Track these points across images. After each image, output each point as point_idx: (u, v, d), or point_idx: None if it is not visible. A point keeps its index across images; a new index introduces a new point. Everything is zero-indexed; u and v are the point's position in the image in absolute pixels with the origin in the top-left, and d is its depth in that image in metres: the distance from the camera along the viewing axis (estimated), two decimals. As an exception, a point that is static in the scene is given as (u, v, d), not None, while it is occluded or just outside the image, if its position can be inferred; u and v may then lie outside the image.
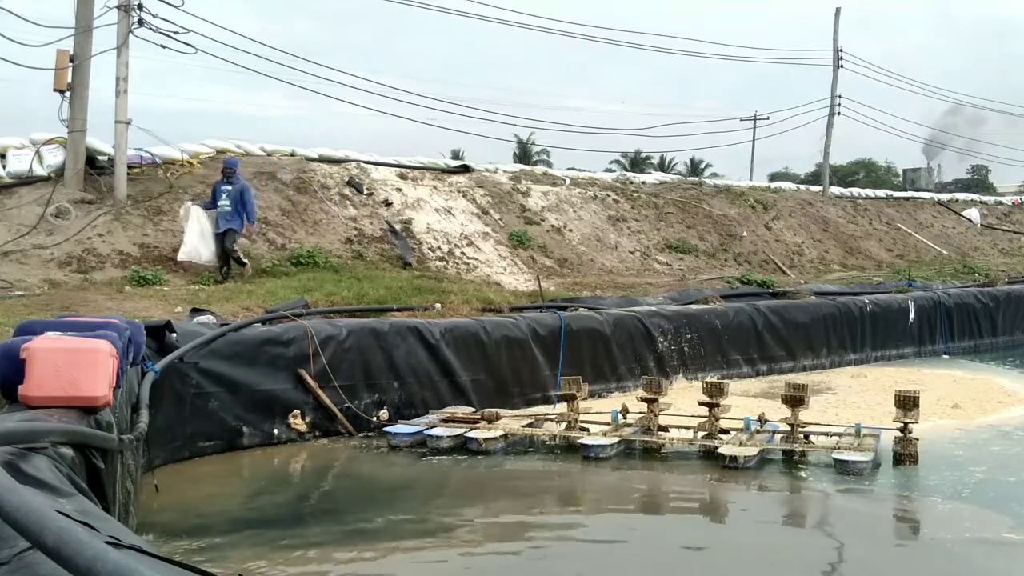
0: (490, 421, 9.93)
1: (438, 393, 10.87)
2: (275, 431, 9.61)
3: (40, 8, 13.27)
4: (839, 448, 8.87)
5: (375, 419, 10.26)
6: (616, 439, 9.34)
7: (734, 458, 8.59)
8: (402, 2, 18.29)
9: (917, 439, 8.96)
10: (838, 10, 27.45)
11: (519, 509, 7.82)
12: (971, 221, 29.39)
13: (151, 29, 13.43)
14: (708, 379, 10.95)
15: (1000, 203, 32.97)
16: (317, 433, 9.87)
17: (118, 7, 13.16)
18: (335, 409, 9.94)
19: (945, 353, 17.52)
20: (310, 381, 9.78)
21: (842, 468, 8.45)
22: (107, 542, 2.34)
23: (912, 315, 17.24)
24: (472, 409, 10.52)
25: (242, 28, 16.65)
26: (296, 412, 9.74)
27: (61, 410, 4.57)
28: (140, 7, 13.28)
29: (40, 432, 3.85)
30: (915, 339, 17.36)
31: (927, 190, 35.18)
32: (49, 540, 2.27)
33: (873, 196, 29.20)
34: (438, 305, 12.41)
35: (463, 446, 9.34)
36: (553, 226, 18.53)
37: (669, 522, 7.91)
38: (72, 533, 2.27)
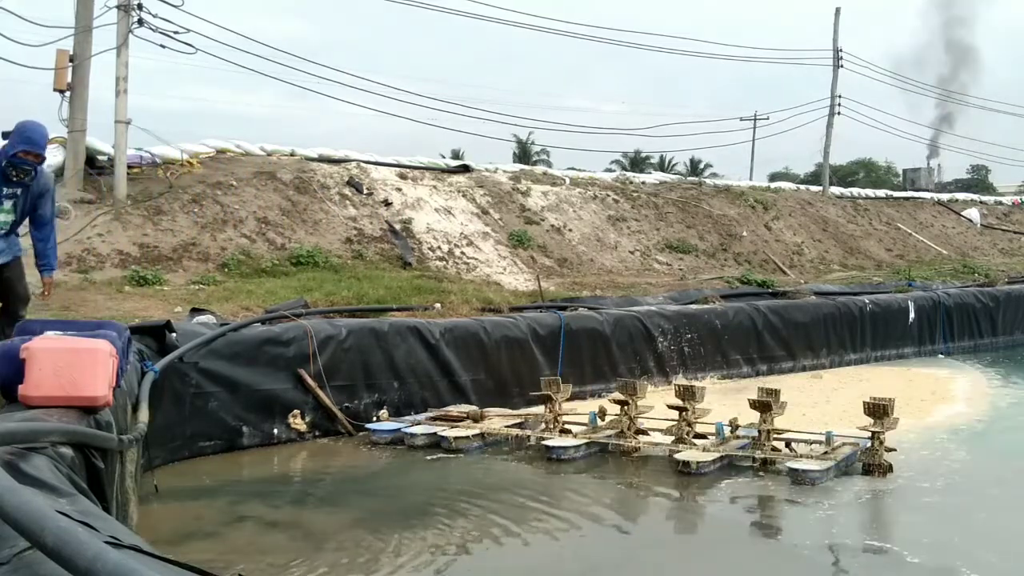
0: (475, 420, 9.99)
1: (438, 393, 10.88)
2: (275, 431, 9.61)
3: (40, 8, 13.25)
4: (809, 456, 8.79)
5: (375, 419, 10.27)
6: (584, 441, 9.35)
7: (687, 463, 8.54)
8: (402, 2, 18.31)
9: (892, 449, 8.88)
10: (838, 10, 27.47)
11: (419, 506, 7.68)
12: (971, 221, 29.38)
13: (151, 29, 13.43)
14: (678, 382, 10.66)
15: (1000, 203, 32.96)
16: (317, 433, 9.88)
17: (118, 7, 13.16)
18: (335, 409, 9.94)
19: (942, 353, 17.53)
20: (310, 381, 9.78)
21: (795, 477, 8.29)
22: (107, 542, 2.34)
23: (912, 315, 17.25)
24: (473, 408, 10.54)
25: (239, 27, 16.66)
26: (296, 412, 9.75)
27: (61, 410, 4.56)
28: (140, 7, 13.28)
29: (40, 432, 3.85)
30: (915, 339, 17.37)
31: (927, 190, 35.17)
32: (49, 540, 2.27)
33: (873, 196, 29.20)
34: (438, 305, 12.42)
35: (438, 444, 9.47)
36: (553, 226, 18.53)
37: (569, 526, 7.37)
38: (72, 533, 2.28)
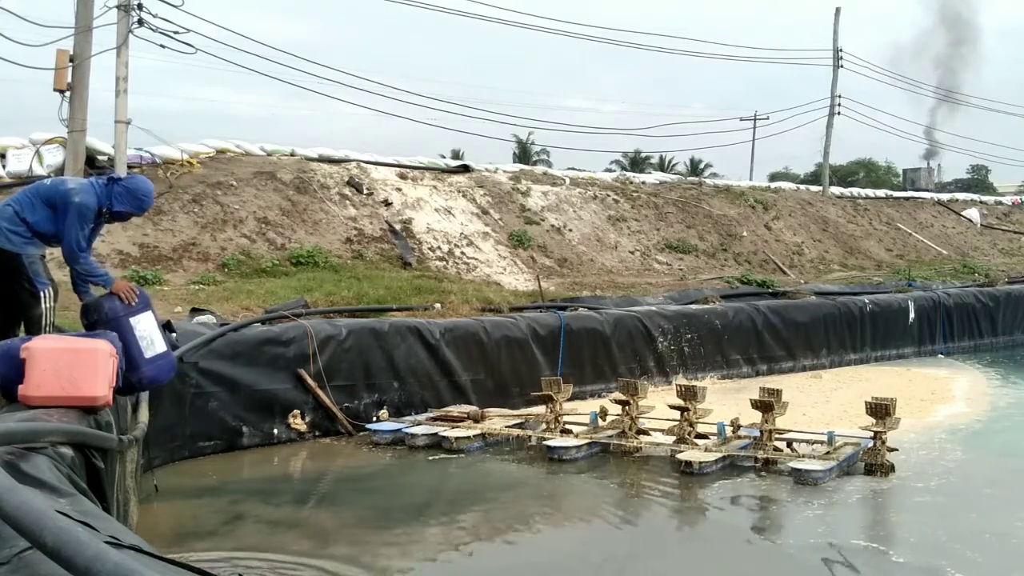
0: (476, 420, 10.00)
1: (438, 393, 10.88)
2: (275, 431, 9.61)
3: (40, 8, 13.25)
4: (811, 456, 8.81)
5: (375, 419, 10.27)
6: (585, 441, 9.37)
7: (689, 463, 8.56)
8: (401, 2, 18.30)
9: (894, 449, 8.88)
10: (838, 10, 27.47)
11: (420, 507, 7.74)
12: (971, 221, 29.38)
13: (151, 29, 13.40)
14: (678, 382, 10.69)
15: (1000, 203, 32.96)
16: (317, 433, 9.89)
17: (118, 7, 13.14)
18: (335, 409, 9.95)
19: (942, 353, 17.53)
20: (310, 381, 9.78)
21: (798, 477, 8.32)
22: (107, 542, 2.34)
23: (912, 315, 17.25)
24: (473, 408, 10.54)
25: (239, 27, 16.66)
26: (296, 412, 9.75)
27: (61, 410, 4.56)
28: (140, 7, 13.25)
29: (40, 432, 3.84)
30: (915, 339, 17.38)
31: (927, 190, 35.16)
32: (49, 540, 2.27)
33: (873, 196, 29.20)
34: (438, 305, 12.41)
35: (439, 444, 9.49)
36: (553, 226, 18.53)
37: (571, 526, 7.44)
38: (72, 533, 2.27)
